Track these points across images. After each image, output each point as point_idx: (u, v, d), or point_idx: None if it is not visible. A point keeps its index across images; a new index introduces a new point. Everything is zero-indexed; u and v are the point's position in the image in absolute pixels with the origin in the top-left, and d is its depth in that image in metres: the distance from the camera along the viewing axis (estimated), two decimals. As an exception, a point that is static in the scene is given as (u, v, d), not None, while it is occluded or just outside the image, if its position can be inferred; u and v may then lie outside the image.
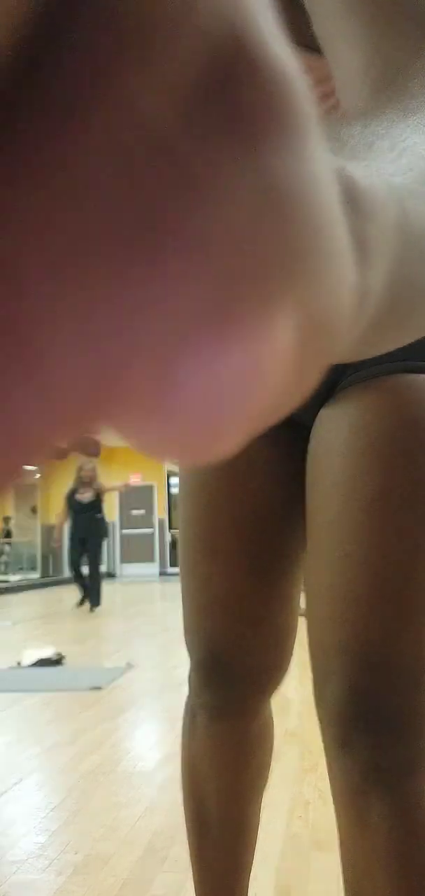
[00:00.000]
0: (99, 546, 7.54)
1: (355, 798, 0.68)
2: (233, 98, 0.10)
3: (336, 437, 0.72)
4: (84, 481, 7.35)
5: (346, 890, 0.73)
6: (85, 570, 7.44)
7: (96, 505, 7.43)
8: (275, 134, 0.11)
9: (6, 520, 13.08)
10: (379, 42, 0.36)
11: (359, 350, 0.22)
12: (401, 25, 0.36)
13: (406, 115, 0.22)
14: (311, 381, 0.14)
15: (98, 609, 7.16)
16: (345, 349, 0.20)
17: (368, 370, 0.72)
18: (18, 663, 4.03)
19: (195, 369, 0.11)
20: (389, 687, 0.66)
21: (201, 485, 0.83)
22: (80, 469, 7.39)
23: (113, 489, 8.00)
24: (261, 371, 0.12)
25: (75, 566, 7.38)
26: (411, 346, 0.71)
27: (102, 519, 7.59)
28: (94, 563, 7.41)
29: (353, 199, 0.16)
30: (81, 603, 7.36)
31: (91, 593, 7.23)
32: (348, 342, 0.19)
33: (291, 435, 0.82)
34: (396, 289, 0.20)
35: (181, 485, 0.87)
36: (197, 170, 0.10)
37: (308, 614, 0.75)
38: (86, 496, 7.32)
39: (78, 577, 7.37)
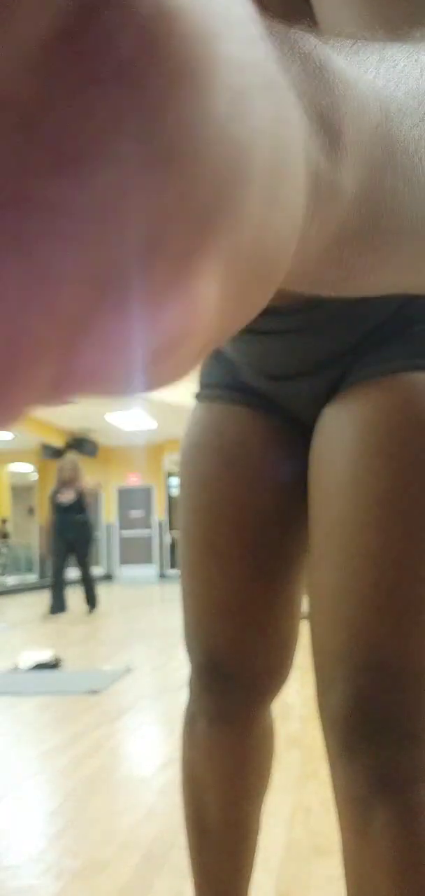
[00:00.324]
0: (86, 547, 7.31)
1: (359, 806, 0.67)
2: (103, 48, 0.09)
3: (341, 436, 0.71)
4: (65, 482, 7.15)
5: (349, 898, 0.72)
6: (73, 573, 7.25)
7: (78, 506, 7.19)
8: (156, 83, 0.09)
9: (3, 521, 13.06)
10: (380, 24, 0.36)
11: (336, 277, 0.20)
12: (403, 5, 0.36)
13: (399, 47, 0.21)
14: (260, 300, 0.13)
15: (96, 611, 7.13)
16: (315, 268, 0.18)
17: (374, 368, 0.71)
18: (16, 666, 4.02)
19: (98, 347, 0.11)
20: (395, 693, 0.65)
21: (202, 486, 0.82)
22: (61, 470, 7.23)
23: (90, 489, 7.78)
24: (186, 327, 0.11)
25: (58, 569, 7.12)
26: (417, 343, 0.70)
27: (86, 521, 7.33)
28: (85, 566, 7.22)
29: (324, 76, 0.15)
30: (52, 611, 6.93)
31: (87, 596, 7.16)
32: (316, 255, 0.17)
33: (293, 434, 0.81)
34: (376, 203, 0.18)
35: (181, 486, 0.86)
36: (60, 137, 0.09)
37: (311, 618, 0.74)
38: (67, 497, 7.13)
39: (56, 583, 7.03)
